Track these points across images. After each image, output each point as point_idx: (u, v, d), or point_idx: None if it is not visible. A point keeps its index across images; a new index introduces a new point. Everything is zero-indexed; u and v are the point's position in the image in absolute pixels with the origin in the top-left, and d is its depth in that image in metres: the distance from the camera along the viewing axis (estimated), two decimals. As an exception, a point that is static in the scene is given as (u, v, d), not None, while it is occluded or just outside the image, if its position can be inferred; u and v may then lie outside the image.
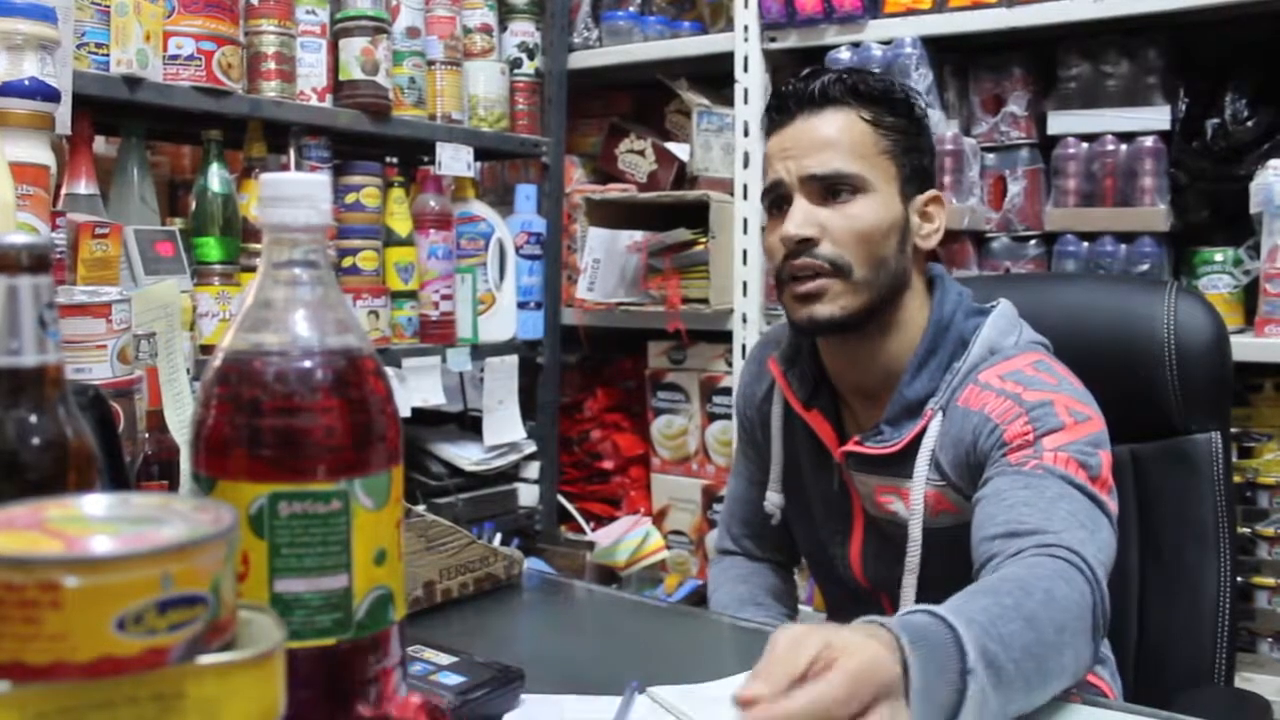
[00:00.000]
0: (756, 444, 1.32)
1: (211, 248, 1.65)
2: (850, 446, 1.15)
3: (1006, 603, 0.83)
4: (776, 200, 1.15)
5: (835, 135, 1.11)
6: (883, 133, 1.13)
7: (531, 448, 2.21)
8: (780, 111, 1.16)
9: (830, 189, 1.11)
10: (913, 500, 1.10)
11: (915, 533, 1.11)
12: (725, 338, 2.15)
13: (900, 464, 1.12)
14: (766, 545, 1.36)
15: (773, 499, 1.27)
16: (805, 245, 1.10)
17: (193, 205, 1.67)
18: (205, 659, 0.42)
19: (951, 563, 1.08)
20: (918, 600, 1.07)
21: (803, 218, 1.11)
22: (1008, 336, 1.13)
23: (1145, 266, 1.77)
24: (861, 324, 1.12)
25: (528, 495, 2.23)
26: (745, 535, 1.37)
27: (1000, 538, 0.95)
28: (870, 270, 1.10)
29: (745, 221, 2.10)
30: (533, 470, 2.23)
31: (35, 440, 0.56)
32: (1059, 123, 1.86)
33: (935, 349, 1.13)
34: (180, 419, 1.03)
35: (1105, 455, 1.02)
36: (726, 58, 2.11)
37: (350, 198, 1.84)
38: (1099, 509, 0.98)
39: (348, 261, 1.84)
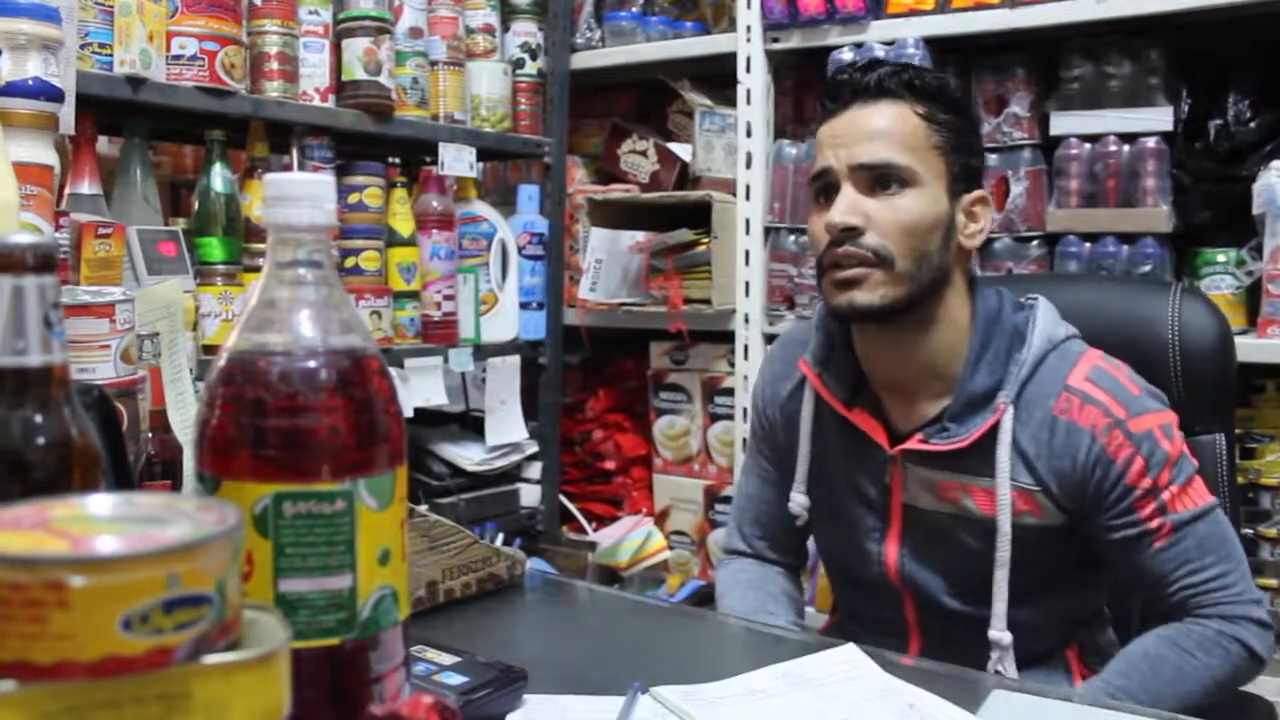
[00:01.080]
0: (776, 444, 1.30)
1: (214, 248, 1.65)
2: (914, 445, 1.13)
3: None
4: (824, 188, 1.14)
5: (887, 126, 1.11)
6: (935, 129, 1.12)
7: (533, 448, 2.21)
8: (834, 100, 1.15)
9: (879, 179, 1.11)
10: (1000, 495, 1.11)
11: (1005, 527, 1.11)
12: (727, 338, 2.15)
13: (969, 459, 1.12)
14: (779, 547, 1.34)
15: (798, 500, 1.26)
16: (849, 234, 1.10)
17: (195, 205, 1.67)
18: (211, 659, 0.42)
19: (1025, 560, 1.11)
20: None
21: (848, 206, 1.10)
22: (1058, 327, 1.15)
23: (1147, 267, 1.77)
24: (900, 315, 1.11)
25: (529, 495, 2.23)
26: (758, 536, 1.35)
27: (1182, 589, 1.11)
28: (913, 263, 1.10)
29: (747, 222, 2.10)
30: (535, 470, 2.23)
31: (40, 440, 0.56)
32: (1061, 123, 1.86)
33: (989, 341, 1.13)
34: (183, 419, 1.03)
35: (1186, 446, 1.12)
36: (729, 58, 2.11)
37: (353, 198, 1.85)
38: (1216, 523, 1.11)
39: (350, 262, 1.84)
